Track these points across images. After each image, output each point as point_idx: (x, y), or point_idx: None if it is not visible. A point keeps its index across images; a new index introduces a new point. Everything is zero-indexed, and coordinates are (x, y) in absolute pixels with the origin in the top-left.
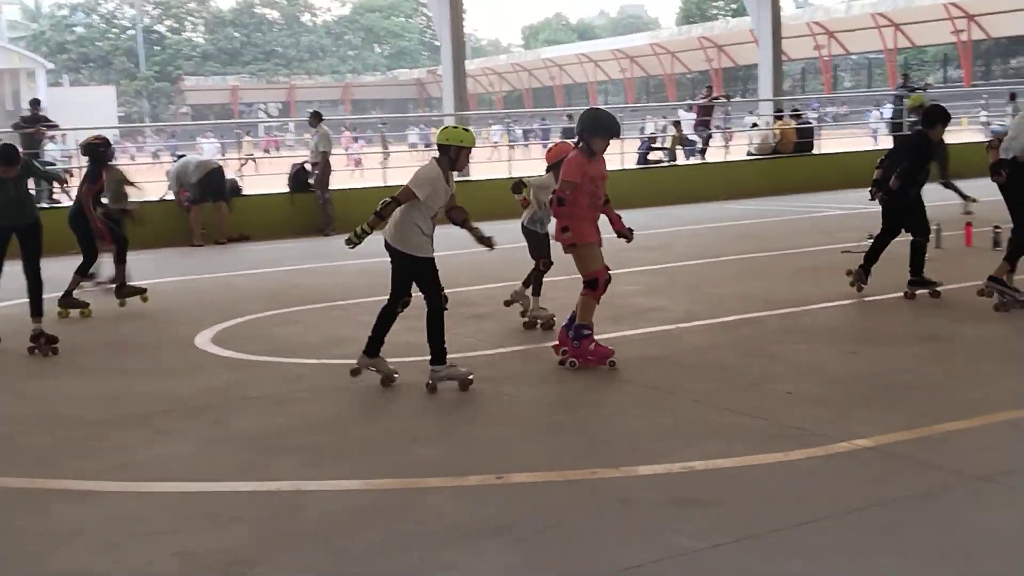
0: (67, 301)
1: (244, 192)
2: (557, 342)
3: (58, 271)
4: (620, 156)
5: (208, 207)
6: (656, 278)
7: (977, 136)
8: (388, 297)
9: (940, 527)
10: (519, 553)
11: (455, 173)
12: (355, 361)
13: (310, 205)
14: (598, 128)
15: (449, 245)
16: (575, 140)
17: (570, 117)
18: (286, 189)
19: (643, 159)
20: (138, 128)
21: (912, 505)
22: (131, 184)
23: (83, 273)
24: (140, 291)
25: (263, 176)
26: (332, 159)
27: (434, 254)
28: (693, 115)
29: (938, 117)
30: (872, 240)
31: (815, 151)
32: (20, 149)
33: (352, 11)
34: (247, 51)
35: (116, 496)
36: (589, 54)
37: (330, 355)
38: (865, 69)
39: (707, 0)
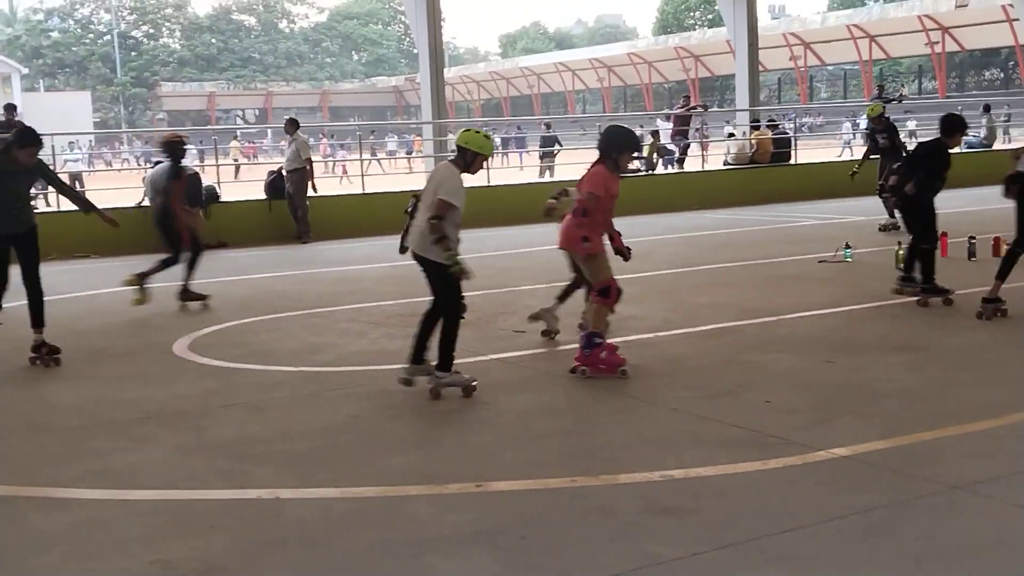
0: (188, 295)
1: (222, 199)
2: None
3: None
4: None
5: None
6: (633, 287)
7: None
8: (442, 310)
9: (917, 535)
10: (499, 561)
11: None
12: (401, 370)
13: (287, 212)
14: (627, 145)
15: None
16: (599, 157)
17: (548, 126)
18: (263, 196)
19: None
20: (115, 134)
21: (889, 514)
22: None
23: (168, 266)
24: (202, 296)
25: (241, 183)
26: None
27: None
28: (671, 124)
29: (956, 126)
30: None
31: (792, 161)
32: None
33: (330, 18)
34: (224, 57)
35: (92, 503)
36: (567, 63)
37: (308, 362)
38: (841, 80)
39: (684, 10)
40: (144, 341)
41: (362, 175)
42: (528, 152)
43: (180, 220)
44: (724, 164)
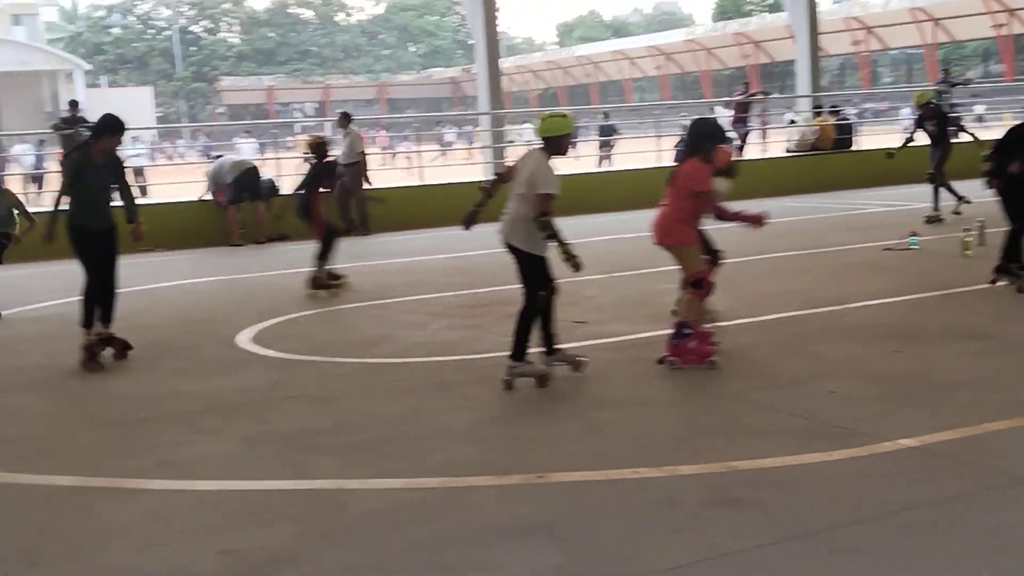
0: (317, 283)
1: (280, 192)
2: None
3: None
4: (657, 154)
5: (245, 207)
6: None
7: None
8: (524, 299)
9: (987, 528)
10: (560, 552)
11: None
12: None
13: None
14: (719, 138)
15: (479, 245)
16: (690, 150)
17: (606, 115)
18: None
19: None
20: (176, 129)
21: (959, 506)
22: (24, 212)
23: (323, 258)
24: (331, 285)
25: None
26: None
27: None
28: (731, 112)
29: None
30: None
31: (854, 147)
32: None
33: (386, 10)
34: (282, 51)
35: (160, 494)
36: (624, 51)
37: (370, 354)
38: (904, 64)
39: None
40: (207, 334)
41: (420, 167)
42: (586, 142)
43: (316, 212)
44: (786, 151)
